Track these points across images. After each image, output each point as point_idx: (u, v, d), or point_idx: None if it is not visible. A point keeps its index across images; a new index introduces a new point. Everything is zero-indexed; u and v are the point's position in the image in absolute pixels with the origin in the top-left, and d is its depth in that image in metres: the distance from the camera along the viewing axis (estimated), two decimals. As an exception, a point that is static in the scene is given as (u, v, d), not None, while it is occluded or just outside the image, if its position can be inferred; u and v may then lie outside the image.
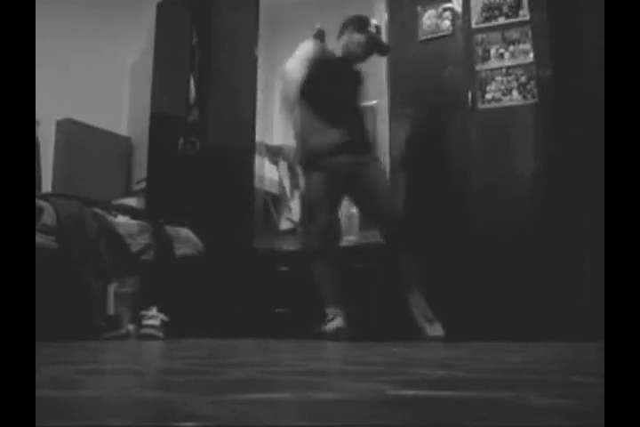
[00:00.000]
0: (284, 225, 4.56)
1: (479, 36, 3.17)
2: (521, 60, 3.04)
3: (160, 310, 3.14)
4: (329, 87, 3.00)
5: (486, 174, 3.08)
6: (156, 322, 3.09)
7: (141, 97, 4.65)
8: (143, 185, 4.48)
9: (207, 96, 4.15)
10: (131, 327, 3.10)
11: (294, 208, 4.60)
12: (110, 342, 2.66)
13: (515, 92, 3.03)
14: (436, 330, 2.71)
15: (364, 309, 3.22)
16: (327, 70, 3.03)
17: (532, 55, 3.02)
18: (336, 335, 2.73)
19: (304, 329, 3.01)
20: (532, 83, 3.00)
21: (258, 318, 3.57)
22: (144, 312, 3.13)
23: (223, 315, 3.49)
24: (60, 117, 4.47)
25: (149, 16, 4.61)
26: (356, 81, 3.13)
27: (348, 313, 2.85)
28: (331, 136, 2.93)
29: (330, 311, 2.84)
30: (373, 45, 3.08)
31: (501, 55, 3.09)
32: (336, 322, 2.79)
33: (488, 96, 3.09)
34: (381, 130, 3.71)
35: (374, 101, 3.87)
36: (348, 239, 3.73)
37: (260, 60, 4.49)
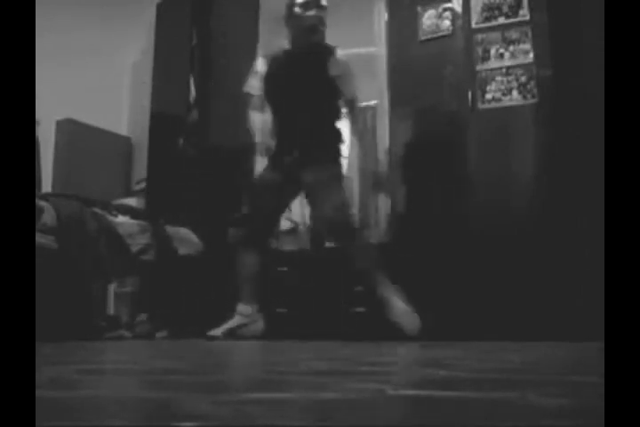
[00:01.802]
0: (284, 225, 4.56)
1: (479, 36, 3.17)
2: (521, 60, 3.04)
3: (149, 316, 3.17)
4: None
5: (486, 174, 3.08)
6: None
7: (141, 97, 4.65)
8: (143, 185, 4.48)
9: (207, 96, 4.15)
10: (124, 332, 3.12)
11: (294, 208, 4.59)
12: (110, 342, 2.66)
13: (515, 92, 3.03)
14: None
15: (366, 308, 3.22)
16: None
17: (531, 55, 3.02)
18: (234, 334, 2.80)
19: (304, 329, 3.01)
20: (532, 83, 3.00)
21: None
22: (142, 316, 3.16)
23: (223, 315, 3.49)
24: (59, 117, 4.48)
25: (149, 16, 4.61)
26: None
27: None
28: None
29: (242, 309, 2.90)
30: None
31: (501, 55, 3.09)
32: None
33: (488, 96, 3.09)
34: (381, 130, 3.71)
35: (374, 101, 3.87)
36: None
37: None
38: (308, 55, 2.92)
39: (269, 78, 2.97)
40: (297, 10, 2.88)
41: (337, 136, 2.94)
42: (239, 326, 2.87)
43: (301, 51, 2.93)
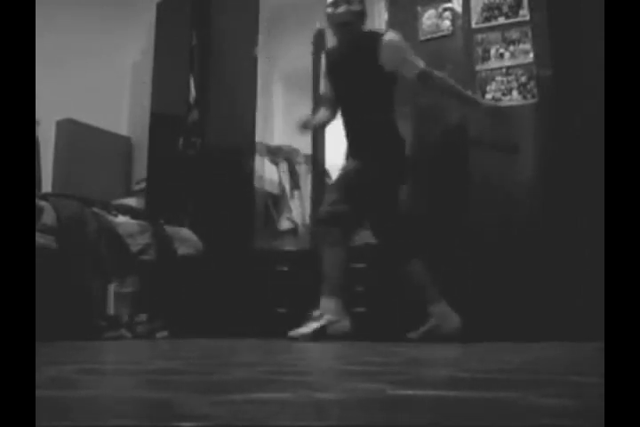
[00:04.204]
0: (284, 225, 4.56)
1: (479, 36, 3.16)
2: (521, 60, 3.04)
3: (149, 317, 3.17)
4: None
5: (486, 174, 3.07)
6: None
7: (141, 97, 4.65)
8: (143, 185, 4.48)
9: (207, 96, 4.15)
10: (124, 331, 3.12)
11: (294, 208, 4.59)
12: (110, 342, 2.66)
13: (515, 92, 3.03)
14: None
15: (366, 308, 3.22)
16: None
17: (531, 55, 3.02)
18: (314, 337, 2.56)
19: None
20: (532, 83, 3.00)
21: (258, 318, 3.57)
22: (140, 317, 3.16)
23: (223, 315, 3.49)
24: (59, 117, 4.47)
25: (149, 16, 4.61)
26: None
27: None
28: None
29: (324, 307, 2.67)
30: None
31: (501, 55, 3.09)
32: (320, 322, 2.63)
33: (488, 96, 3.09)
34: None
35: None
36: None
37: (259, 60, 4.50)
38: (350, 49, 2.94)
39: (326, 75, 3.15)
40: (328, 10, 2.92)
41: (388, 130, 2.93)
42: (327, 325, 2.63)
43: (342, 46, 2.99)
